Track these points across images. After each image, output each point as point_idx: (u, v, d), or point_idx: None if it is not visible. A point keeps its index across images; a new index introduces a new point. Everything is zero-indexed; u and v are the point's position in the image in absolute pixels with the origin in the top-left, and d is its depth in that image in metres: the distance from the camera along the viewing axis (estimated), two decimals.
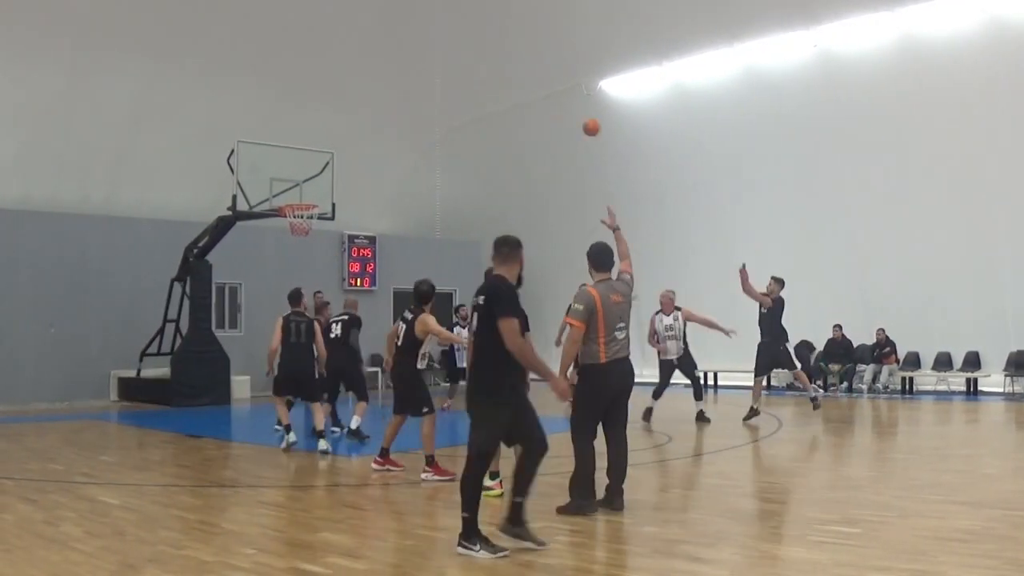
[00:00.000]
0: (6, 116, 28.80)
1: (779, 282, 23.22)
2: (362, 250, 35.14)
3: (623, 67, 34.19)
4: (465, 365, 18.18)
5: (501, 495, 11.23)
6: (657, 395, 22.47)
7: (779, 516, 10.99)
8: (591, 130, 16.31)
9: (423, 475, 13.98)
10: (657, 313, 22.75)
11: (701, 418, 22.00)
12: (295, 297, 17.82)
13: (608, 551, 9.67)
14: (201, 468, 16.27)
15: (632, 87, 34.82)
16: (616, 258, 12.38)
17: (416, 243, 37.43)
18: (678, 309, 22.48)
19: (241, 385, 29.65)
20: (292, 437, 17.46)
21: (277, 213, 26.48)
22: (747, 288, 21.59)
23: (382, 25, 33.41)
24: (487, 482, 11.23)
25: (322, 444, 17.07)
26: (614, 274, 11.86)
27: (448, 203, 39.32)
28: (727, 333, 21.89)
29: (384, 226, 37.41)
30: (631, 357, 11.81)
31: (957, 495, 12.21)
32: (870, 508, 11.09)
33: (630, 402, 11.72)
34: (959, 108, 27.69)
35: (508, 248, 10.23)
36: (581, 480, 11.33)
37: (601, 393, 11.43)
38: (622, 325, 11.58)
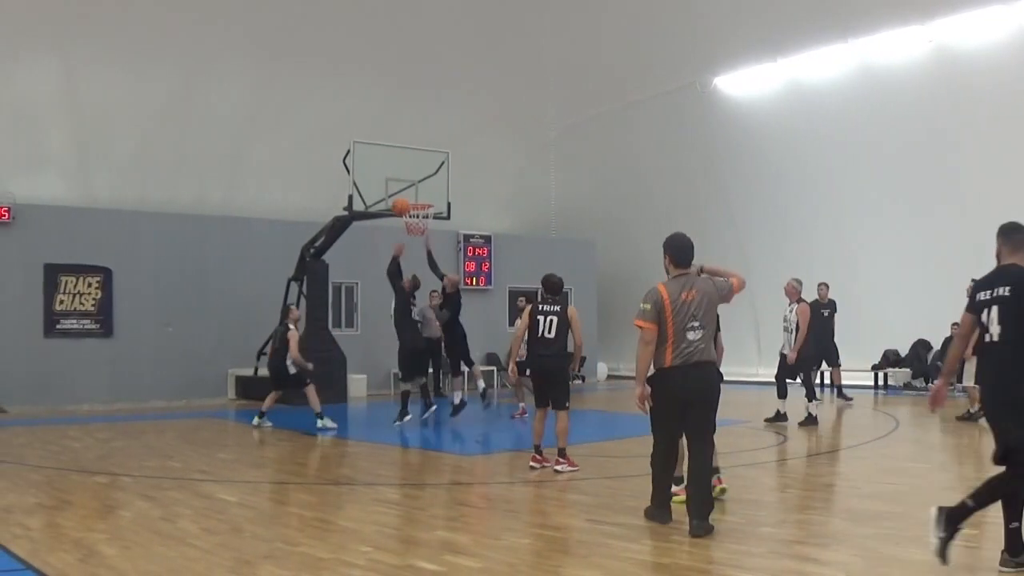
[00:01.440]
0: (124, 118, 29.19)
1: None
2: (478, 249, 35.16)
3: (737, 64, 33.99)
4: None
5: (684, 501, 10.69)
6: (780, 394, 21.59)
7: (897, 517, 10.83)
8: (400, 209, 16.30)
9: (557, 467, 14.36)
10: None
11: (808, 421, 20.95)
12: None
13: (723, 551, 9.57)
14: (317, 466, 16.39)
15: (746, 84, 34.58)
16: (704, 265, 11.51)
17: (531, 242, 37.38)
18: (799, 302, 21.25)
19: (358, 383, 29.81)
20: None
21: (393, 213, 26.57)
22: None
23: (496, 24, 33.49)
24: (672, 487, 11.11)
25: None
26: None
27: (562, 202, 39.33)
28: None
29: (499, 225, 37.43)
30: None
31: None
32: (989, 509, 10.92)
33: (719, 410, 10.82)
34: None
35: (1020, 235, 9.79)
36: (654, 489, 10.91)
37: (668, 400, 10.52)
38: (695, 324, 10.46)
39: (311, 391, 21.65)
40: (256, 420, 21.77)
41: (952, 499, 11.76)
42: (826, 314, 25.45)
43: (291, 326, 22.19)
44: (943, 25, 28.93)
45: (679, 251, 10.98)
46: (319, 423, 20.94)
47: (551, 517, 11.40)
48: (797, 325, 20.87)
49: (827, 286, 25.80)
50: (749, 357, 34.87)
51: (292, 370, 21.83)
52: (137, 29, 28.19)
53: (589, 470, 14.45)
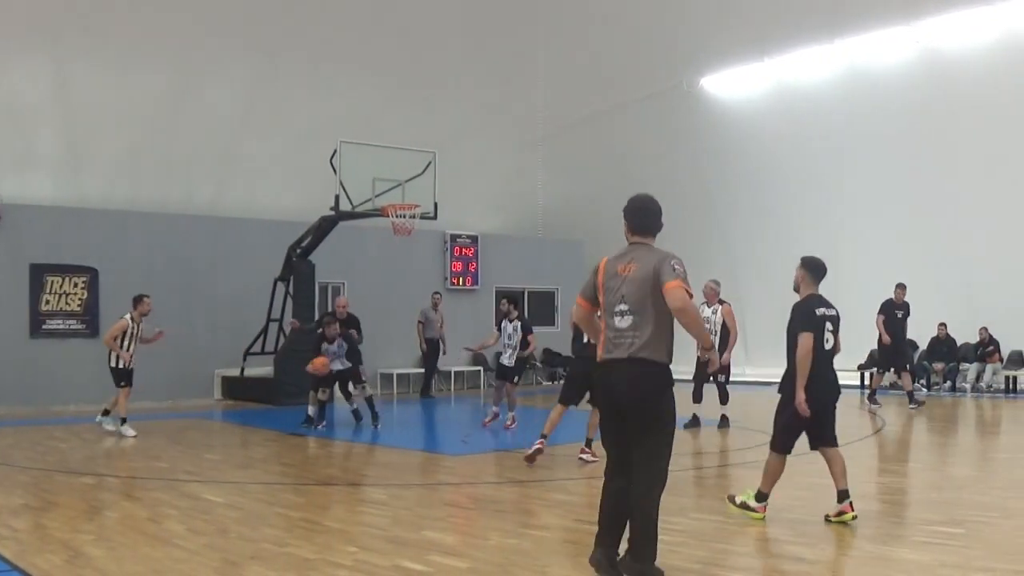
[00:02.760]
0: (113, 118, 29.13)
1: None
2: (464, 249, 35.15)
3: (724, 64, 34.08)
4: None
5: (762, 518, 10.80)
6: (697, 398, 20.88)
7: (883, 516, 10.87)
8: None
9: (581, 455, 15.28)
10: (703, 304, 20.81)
11: (723, 423, 20.63)
12: None
13: (711, 550, 9.61)
14: (304, 466, 16.39)
15: (733, 85, 34.67)
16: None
17: (518, 243, 37.40)
18: (721, 303, 21.05)
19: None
20: None
21: (380, 213, 26.58)
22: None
23: (484, 25, 33.50)
24: (752, 503, 11.07)
25: None
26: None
27: (550, 202, 39.35)
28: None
29: (486, 226, 37.42)
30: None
31: None
32: (975, 508, 10.95)
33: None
34: None
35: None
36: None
37: (602, 404, 8.66)
38: (623, 308, 8.35)
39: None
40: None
41: (939, 498, 11.81)
42: (900, 315, 24.73)
43: None
44: (930, 26, 29.04)
45: (635, 214, 9.08)
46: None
47: (538, 517, 11.41)
48: (724, 327, 20.76)
49: (904, 287, 24.81)
50: (736, 357, 34.87)
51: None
52: (127, 29, 28.15)
53: (576, 470, 14.47)
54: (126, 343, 19.96)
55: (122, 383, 19.99)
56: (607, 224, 38.71)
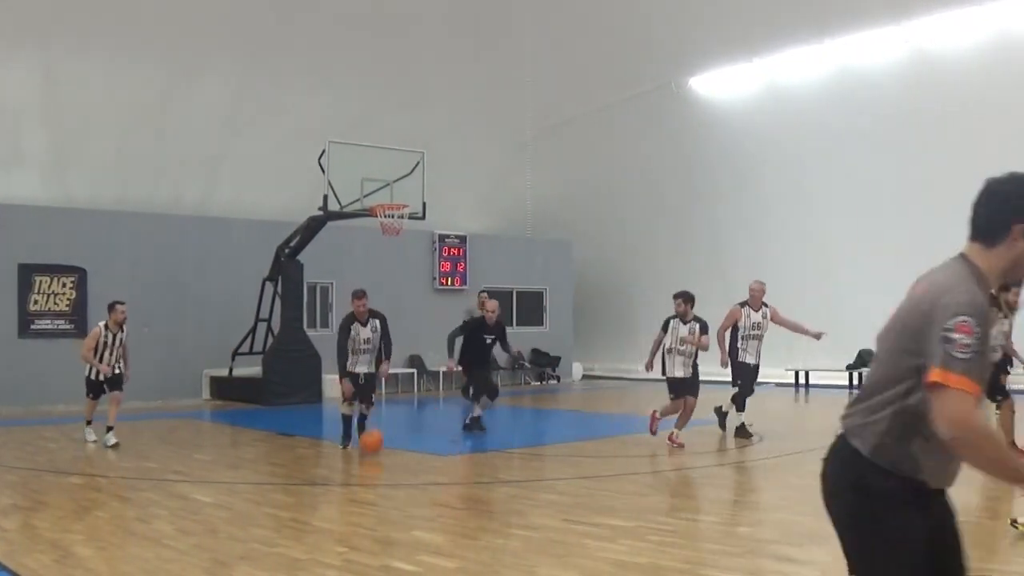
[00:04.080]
0: (102, 118, 29.11)
1: None
2: (452, 249, 35.14)
3: (713, 65, 34.15)
4: None
5: None
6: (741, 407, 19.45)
7: None
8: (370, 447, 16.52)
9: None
10: (744, 306, 19.50)
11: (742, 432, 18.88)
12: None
13: (700, 551, 9.64)
14: (293, 466, 16.38)
15: (722, 85, 34.73)
16: None
17: (507, 242, 37.41)
18: (765, 306, 19.72)
19: (332, 383, 29.75)
20: None
21: (368, 213, 26.58)
22: None
23: (474, 25, 33.48)
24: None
25: None
26: None
27: (539, 202, 39.34)
28: (816, 336, 19.90)
29: (475, 226, 37.44)
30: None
31: None
32: (964, 508, 10.98)
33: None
34: None
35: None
36: None
37: None
38: None
39: None
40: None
41: None
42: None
43: None
44: (920, 26, 29.12)
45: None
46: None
47: (527, 517, 11.40)
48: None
49: None
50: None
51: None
52: (116, 29, 28.11)
53: (565, 470, 14.48)
54: (100, 353, 19.15)
55: (90, 394, 19.55)
56: (595, 224, 39.07)
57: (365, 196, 26.58)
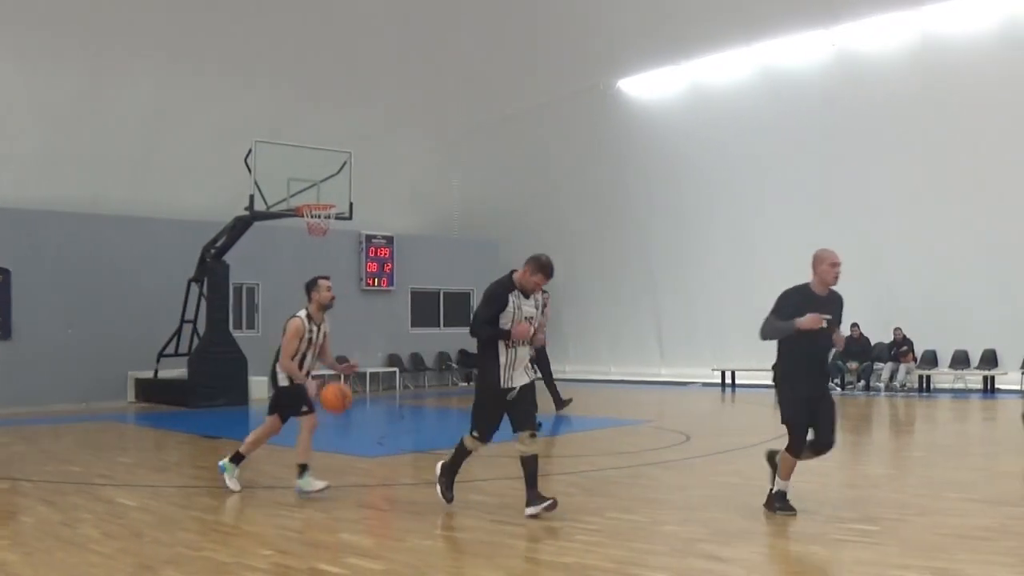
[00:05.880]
0: (27, 117, 28.90)
1: None
2: (379, 250, 35.05)
3: (641, 67, 34.34)
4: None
5: None
6: None
7: (799, 514, 10.96)
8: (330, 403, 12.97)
9: None
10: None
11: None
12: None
13: (627, 550, 9.64)
14: (218, 469, 16.28)
15: (650, 86, 34.95)
16: None
17: (434, 242, 37.38)
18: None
19: (259, 386, 29.60)
20: None
21: (294, 213, 26.52)
22: None
23: (401, 24, 33.44)
24: None
25: None
26: None
27: (466, 202, 39.36)
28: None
29: (402, 226, 37.36)
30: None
31: (975, 493, 12.20)
32: (889, 506, 11.06)
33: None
34: (978, 107, 27.78)
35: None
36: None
37: None
38: None
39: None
40: None
41: (854, 496, 11.92)
42: None
43: None
44: (846, 30, 29.46)
45: None
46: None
47: (455, 518, 11.39)
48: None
49: None
50: (651, 357, 35.10)
51: None
52: (41, 27, 27.91)
53: (492, 471, 14.48)
54: (303, 354, 13.76)
55: (278, 410, 14.98)
56: (523, 224, 39.11)
57: (292, 196, 26.54)
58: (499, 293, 11.64)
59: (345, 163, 27.51)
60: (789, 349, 11.04)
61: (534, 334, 11.74)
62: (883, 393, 29.25)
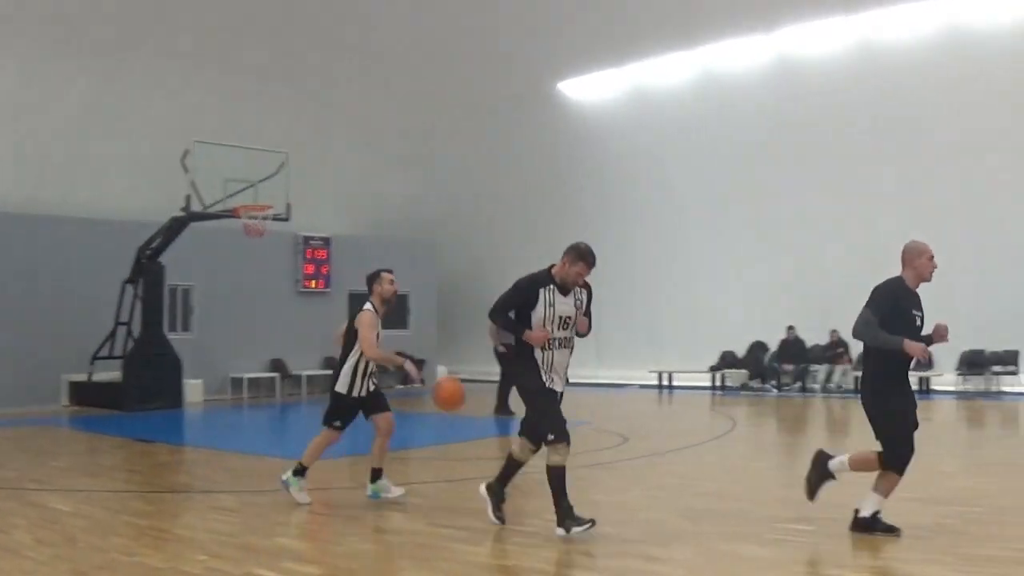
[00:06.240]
0: None
1: None
2: (317, 251, 34.88)
3: (582, 69, 34.45)
4: None
5: None
6: None
7: (735, 515, 10.98)
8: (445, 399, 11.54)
9: None
10: None
11: None
12: None
13: (564, 552, 9.64)
14: (153, 473, 16.16)
15: (591, 89, 35.09)
16: None
17: (371, 244, 37.20)
18: None
19: (194, 389, 29.44)
20: None
21: (231, 214, 26.38)
22: None
23: (339, 25, 33.33)
24: None
25: None
26: None
27: (404, 203, 39.25)
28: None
29: (339, 227, 37.20)
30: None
31: (911, 492, 12.24)
32: (825, 506, 11.10)
33: None
34: (911, 116, 28.07)
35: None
36: None
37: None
38: None
39: None
40: None
41: (789, 496, 11.97)
42: None
43: None
44: (786, 35, 29.70)
45: None
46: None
47: (392, 521, 11.34)
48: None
49: None
50: (588, 359, 35.16)
51: None
52: None
53: (429, 473, 14.45)
54: None
55: (337, 421, 12.94)
56: (461, 225, 39.08)
57: (228, 197, 26.39)
58: (526, 286, 10.55)
59: (283, 164, 27.41)
60: (881, 357, 10.15)
61: (577, 333, 10.61)
62: (819, 394, 29.46)
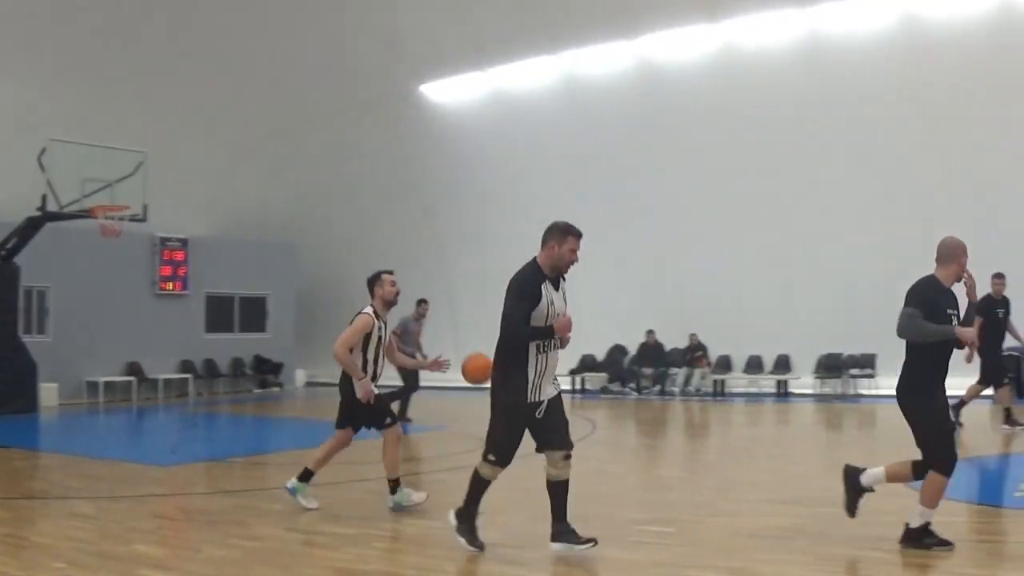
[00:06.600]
0: None
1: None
2: (174, 253, 34.52)
3: (445, 72, 34.45)
4: None
5: None
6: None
7: (595, 517, 11.04)
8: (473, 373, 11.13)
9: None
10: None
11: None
12: None
13: (425, 556, 9.67)
14: (8, 479, 15.89)
15: (453, 92, 35.09)
16: None
17: (229, 245, 36.92)
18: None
19: (49, 392, 28.98)
20: None
21: (88, 214, 26.06)
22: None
23: (198, 22, 33.00)
24: None
25: None
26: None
27: (263, 205, 38.98)
28: None
29: (197, 228, 36.86)
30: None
31: (769, 493, 12.46)
32: (685, 508, 11.23)
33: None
34: (771, 115, 28.40)
35: None
36: None
37: None
38: None
39: None
40: None
41: (649, 498, 12.06)
42: (1001, 314, 18.91)
43: None
44: (649, 41, 29.98)
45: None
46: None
47: (251, 527, 11.27)
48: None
49: (1003, 279, 18.86)
50: (453, 365, 35.19)
51: None
52: None
53: (288, 478, 14.38)
54: (375, 354, 12.56)
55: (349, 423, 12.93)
56: (321, 228, 38.86)
57: (85, 196, 26.06)
58: (533, 284, 10.14)
59: (140, 164, 27.12)
60: (921, 355, 9.38)
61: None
62: (678, 397, 29.77)
